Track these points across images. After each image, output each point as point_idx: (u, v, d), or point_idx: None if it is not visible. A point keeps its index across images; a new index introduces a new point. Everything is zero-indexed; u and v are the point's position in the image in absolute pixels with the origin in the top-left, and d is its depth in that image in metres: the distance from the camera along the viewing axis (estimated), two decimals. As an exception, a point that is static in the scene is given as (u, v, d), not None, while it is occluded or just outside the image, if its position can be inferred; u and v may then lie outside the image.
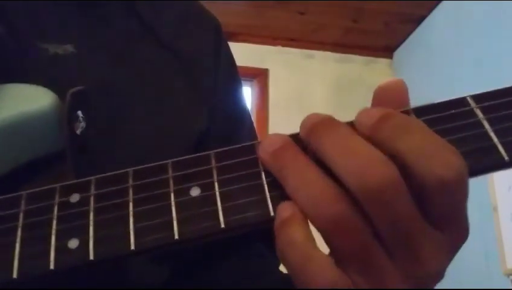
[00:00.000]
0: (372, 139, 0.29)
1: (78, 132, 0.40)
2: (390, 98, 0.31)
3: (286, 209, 0.29)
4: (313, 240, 0.28)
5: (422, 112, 0.31)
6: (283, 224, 0.28)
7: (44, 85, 0.42)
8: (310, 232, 0.28)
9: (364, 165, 0.27)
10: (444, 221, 0.29)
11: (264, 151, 0.30)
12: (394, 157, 0.28)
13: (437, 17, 2.78)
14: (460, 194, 0.28)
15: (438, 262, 0.29)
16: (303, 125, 0.30)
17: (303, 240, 0.28)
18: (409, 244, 0.28)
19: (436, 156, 0.27)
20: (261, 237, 0.56)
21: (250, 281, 0.53)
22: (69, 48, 0.49)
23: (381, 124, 0.29)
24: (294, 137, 0.31)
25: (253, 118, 2.88)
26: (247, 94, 2.99)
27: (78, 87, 0.40)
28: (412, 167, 0.28)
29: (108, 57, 0.53)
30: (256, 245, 0.56)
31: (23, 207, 0.31)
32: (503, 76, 2.10)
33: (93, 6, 0.55)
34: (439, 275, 0.30)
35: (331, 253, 0.29)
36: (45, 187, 0.32)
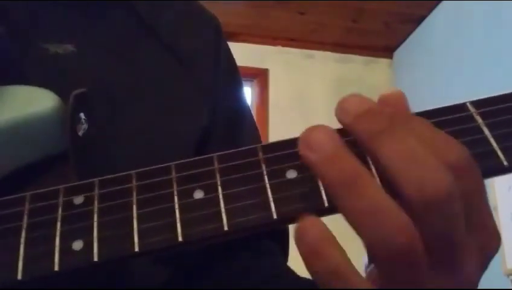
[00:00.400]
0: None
1: (80, 133, 0.41)
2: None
3: (313, 228, 0.26)
4: (352, 265, 0.26)
5: (422, 117, 0.32)
6: (317, 249, 0.26)
7: (45, 85, 0.42)
8: (347, 257, 0.26)
9: (427, 172, 0.25)
10: (474, 224, 0.28)
11: (316, 164, 0.27)
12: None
13: (437, 17, 2.78)
14: (478, 181, 0.28)
15: (475, 274, 0.28)
16: (350, 110, 0.27)
17: (346, 267, 0.26)
18: (453, 258, 0.27)
19: (447, 144, 0.27)
20: (269, 235, 0.56)
21: (263, 281, 0.53)
22: (69, 47, 0.49)
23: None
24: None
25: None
26: (247, 94, 2.99)
27: (81, 90, 0.41)
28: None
29: (108, 57, 0.53)
30: (265, 242, 0.57)
31: (27, 208, 0.31)
32: (503, 76, 2.10)
33: (93, 6, 0.55)
34: (474, 284, 0.28)
35: (376, 275, 0.27)
36: (49, 188, 0.32)
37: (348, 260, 0.26)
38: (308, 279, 0.49)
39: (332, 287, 0.26)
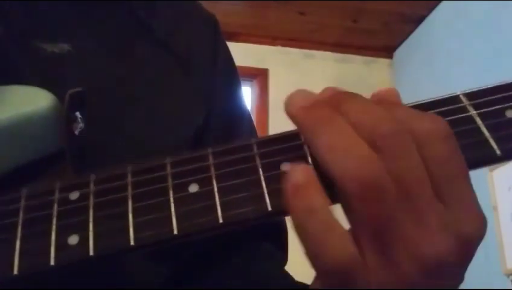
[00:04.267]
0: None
1: (76, 132, 0.41)
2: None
3: (301, 172, 0.28)
4: (331, 207, 0.27)
5: (415, 108, 0.32)
6: (300, 188, 0.27)
7: (41, 84, 0.42)
8: (328, 200, 0.27)
9: (378, 118, 0.28)
10: (445, 190, 0.28)
11: (295, 105, 0.30)
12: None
13: (437, 17, 2.78)
14: (451, 148, 0.28)
15: (446, 242, 0.27)
16: (324, 92, 0.31)
17: (324, 208, 0.27)
18: (417, 208, 0.27)
19: (415, 114, 0.29)
20: (268, 236, 0.56)
21: (259, 283, 0.53)
22: (66, 46, 0.49)
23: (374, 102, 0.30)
24: None
25: (253, 118, 2.87)
26: (247, 94, 2.99)
27: (77, 89, 0.41)
28: (406, 125, 0.29)
29: (104, 56, 0.53)
30: (264, 245, 0.57)
31: (23, 204, 0.31)
32: (503, 76, 2.10)
33: (89, 5, 0.55)
34: (451, 268, 0.28)
35: (351, 226, 0.28)
36: (45, 185, 0.32)
37: (327, 205, 0.27)
38: (304, 284, 0.49)
39: (307, 225, 0.27)
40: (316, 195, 0.27)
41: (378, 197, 0.27)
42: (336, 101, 0.30)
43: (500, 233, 2.08)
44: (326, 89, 0.31)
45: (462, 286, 0.30)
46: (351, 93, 0.30)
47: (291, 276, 0.54)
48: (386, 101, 0.31)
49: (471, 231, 0.28)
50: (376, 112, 0.29)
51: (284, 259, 0.58)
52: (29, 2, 0.51)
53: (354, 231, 0.28)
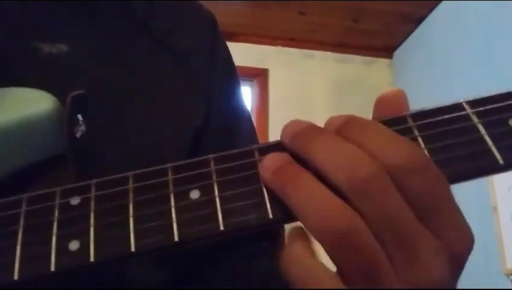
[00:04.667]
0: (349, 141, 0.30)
1: (78, 135, 0.41)
2: (390, 108, 0.33)
3: (292, 231, 0.30)
4: (314, 253, 0.29)
5: (418, 116, 0.32)
6: (288, 243, 0.29)
7: (39, 85, 0.42)
8: (310, 246, 0.29)
9: (352, 162, 0.28)
10: (430, 217, 0.29)
11: (265, 170, 0.31)
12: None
13: (437, 17, 2.78)
14: (429, 178, 0.28)
15: (439, 268, 0.28)
16: (286, 131, 0.31)
17: (303, 255, 0.28)
18: (405, 243, 0.28)
19: (389, 146, 0.29)
20: (265, 235, 0.56)
21: (257, 281, 0.53)
22: (63, 47, 0.49)
23: (347, 125, 0.31)
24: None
25: (253, 118, 2.88)
26: (247, 94, 2.99)
27: (78, 91, 0.40)
28: (377, 155, 0.29)
29: (102, 56, 0.52)
30: (262, 244, 0.57)
31: (24, 209, 0.31)
32: (503, 76, 2.10)
33: (88, 5, 0.54)
34: (447, 285, 0.29)
35: (337, 269, 0.29)
36: (46, 190, 0.32)
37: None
38: None
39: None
40: (298, 245, 0.29)
41: (356, 245, 0.27)
42: (301, 144, 0.30)
43: (500, 233, 2.08)
44: (291, 124, 0.32)
45: (462, 286, 0.30)
46: (316, 129, 0.31)
47: None
48: (355, 126, 0.31)
49: (462, 249, 0.29)
50: (346, 152, 0.29)
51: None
52: (27, 2, 0.51)
53: (344, 277, 0.28)
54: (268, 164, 0.31)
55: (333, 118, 0.31)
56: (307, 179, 0.29)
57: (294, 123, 0.32)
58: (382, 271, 0.28)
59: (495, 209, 2.11)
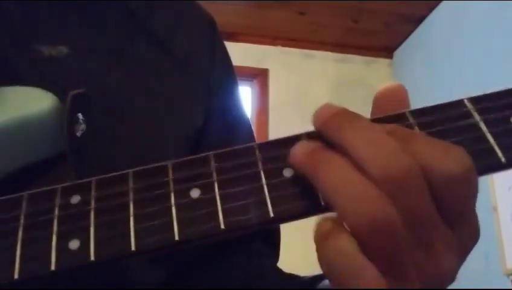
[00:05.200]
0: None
1: (78, 134, 0.41)
2: (390, 102, 0.32)
3: (326, 222, 0.28)
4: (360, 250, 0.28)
5: (419, 114, 0.32)
6: (327, 236, 0.28)
7: (40, 87, 0.42)
8: (356, 242, 0.28)
9: (389, 154, 0.28)
10: (454, 218, 0.29)
11: (296, 154, 0.30)
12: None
13: (437, 17, 2.78)
14: (468, 190, 0.28)
15: (449, 261, 0.29)
16: (319, 116, 0.30)
17: (353, 249, 0.27)
18: (425, 239, 0.28)
19: (446, 152, 0.28)
20: (261, 236, 0.56)
21: (252, 281, 0.53)
22: (64, 49, 0.49)
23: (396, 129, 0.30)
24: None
25: (253, 118, 2.88)
26: (247, 94, 2.99)
27: (79, 90, 0.40)
28: (425, 162, 0.28)
29: (102, 58, 0.52)
30: (256, 244, 0.57)
31: (24, 208, 0.31)
32: (503, 76, 2.10)
33: (86, 6, 0.54)
34: (451, 278, 0.29)
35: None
36: (46, 188, 0.32)
37: (355, 245, 0.27)
38: (297, 279, 0.50)
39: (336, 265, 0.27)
40: (345, 239, 0.28)
41: (389, 233, 0.27)
42: (335, 127, 0.29)
43: (500, 233, 2.08)
44: (326, 107, 0.31)
45: (462, 286, 0.30)
46: (355, 115, 0.30)
47: (283, 271, 0.54)
48: (402, 130, 0.30)
49: (472, 244, 0.30)
50: (384, 143, 0.28)
51: (276, 259, 0.58)
52: (27, 4, 0.51)
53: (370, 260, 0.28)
54: (300, 148, 0.30)
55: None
56: (342, 162, 0.28)
57: (328, 106, 0.30)
58: (406, 266, 0.28)
59: (495, 209, 2.11)
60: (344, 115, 0.30)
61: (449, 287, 0.30)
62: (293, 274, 0.52)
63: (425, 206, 0.28)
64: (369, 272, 0.27)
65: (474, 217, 0.30)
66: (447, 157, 0.28)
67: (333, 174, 0.28)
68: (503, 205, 2.10)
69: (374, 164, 0.27)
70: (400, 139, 0.29)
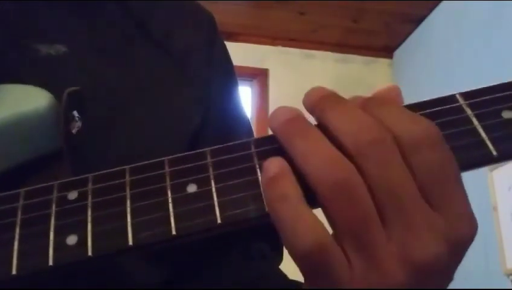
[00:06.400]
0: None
1: (74, 131, 0.41)
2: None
3: (274, 163, 0.29)
4: (304, 198, 0.28)
5: (412, 109, 0.32)
6: (274, 178, 0.29)
7: (38, 86, 0.42)
8: (300, 189, 0.29)
9: (359, 124, 0.29)
10: (437, 200, 0.28)
11: (275, 120, 0.31)
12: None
13: (437, 17, 2.78)
14: (438, 156, 0.29)
15: (435, 245, 0.27)
16: (309, 95, 0.33)
17: (296, 196, 0.28)
18: (402, 212, 0.28)
19: (412, 119, 0.30)
20: (263, 237, 0.56)
21: (253, 282, 0.53)
22: (62, 48, 0.49)
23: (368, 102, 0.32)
24: None
25: (253, 118, 2.88)
26: (247, 94, 2.99)
27: (74, 88, 0.41)
28: (394, 129, 0.29)
29: (100, 57, 0.52)
30: (258, 245, 0.56)
31: (21, 204, 0.31)
32: (503, 76, 2.10)
33: (84, 6, 0.54)
34: (440, 269, 0.28)
35: (333, 231, 0.29)
36: (43, 185, 0.32)
37: (299, 193, 0.29)
38: (297, 281, 0.50)
39: (280, 213, 0.28)
40: (288, 184, 0.29)
41: (350, 197, 0.28)
42: (320, 109, 0.31)
43: (500, 233, 2.08)
44: (314, 90, 0.33)
45: (462, 286, 0.30)
46: (337, 98, 0.32)
47: (285, 274, 0.54)
48: (377, 102, 0.31)
49: (463, 234, 0.29)
50: (359, 119, 0.30)
51: (279, 259, 0.58)
52: (25, 3, 0.51)
53: (335, 235, 0.28)
54: (281, 114, 0.31)
55: (360, 96, 0.32)
56: (316, 133, 0.30)
57: (320, 88, 0.33)
58: (372, 234, 0.28)
59: (495, 209, 2.11)
60: (332, 96, 0.32)
61: (449, 288, 0.30)
62: (296, 281, 0.51)
63: (396, 173, 0.28)
64: (307, 222, 0.27)
65: (459, 199, 0.29)
66: (413, 123, 0.29)
67: (305, 143, 0.29)
68: (503, 205, 2.10)
69: (345, 134, 0.29)
70: (373, 111, 0.30)
